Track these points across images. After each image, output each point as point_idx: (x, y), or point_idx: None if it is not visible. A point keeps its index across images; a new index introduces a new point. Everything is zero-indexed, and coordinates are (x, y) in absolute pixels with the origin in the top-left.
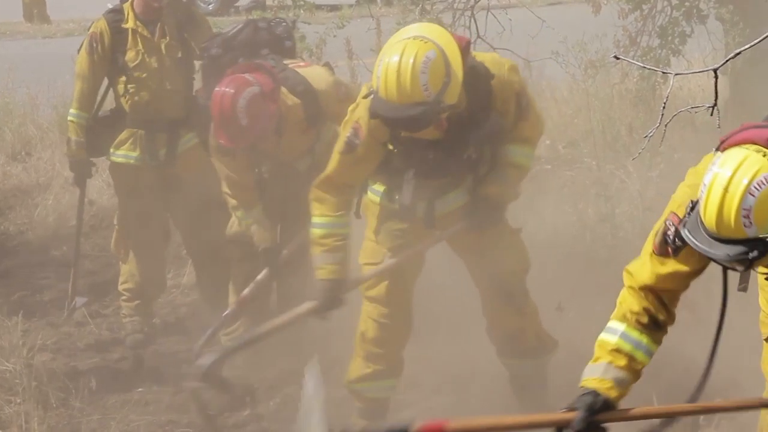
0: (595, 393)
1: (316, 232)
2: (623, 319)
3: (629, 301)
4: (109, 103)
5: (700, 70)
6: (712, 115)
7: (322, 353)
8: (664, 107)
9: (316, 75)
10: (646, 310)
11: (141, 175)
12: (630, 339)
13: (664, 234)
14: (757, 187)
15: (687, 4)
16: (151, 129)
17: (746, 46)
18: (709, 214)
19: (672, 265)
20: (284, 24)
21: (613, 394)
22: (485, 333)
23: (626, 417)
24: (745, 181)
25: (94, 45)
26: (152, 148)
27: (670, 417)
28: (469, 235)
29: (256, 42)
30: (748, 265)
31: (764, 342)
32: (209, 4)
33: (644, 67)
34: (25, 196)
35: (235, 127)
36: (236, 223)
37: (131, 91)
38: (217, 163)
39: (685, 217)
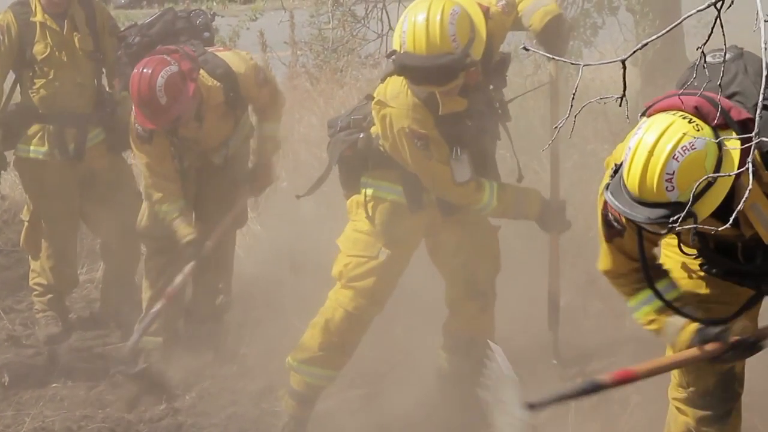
0: (707, 324)
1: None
2: (634, 293)
3: (622, 287)
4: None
5: (609, 61)
6: (621, 105)
7: (251, 346)
8: (573, 98)
9: (235, 59)
10: (638, 280)
11: (49, 170)
12: (653, 297)
13: (605, 218)
14: (682, 152)
15: None
16: (60, 123)
17: (653, 37)
18: (632, 177)
19: (628, 245)
20: (203, 15)
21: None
22: (412, 327)
23: None
24: (670, 147)
25: (1, 37)
26: (61, 143)
27: None
28: (449, 230)
29: (175, 31)
30: (669, 229)
31: None
32: None
33: (553, 58)
34: None
35: (155, 107)
36: (146, 217)
37: (39, 85)
38: (138, 153)
39: (608, 180)
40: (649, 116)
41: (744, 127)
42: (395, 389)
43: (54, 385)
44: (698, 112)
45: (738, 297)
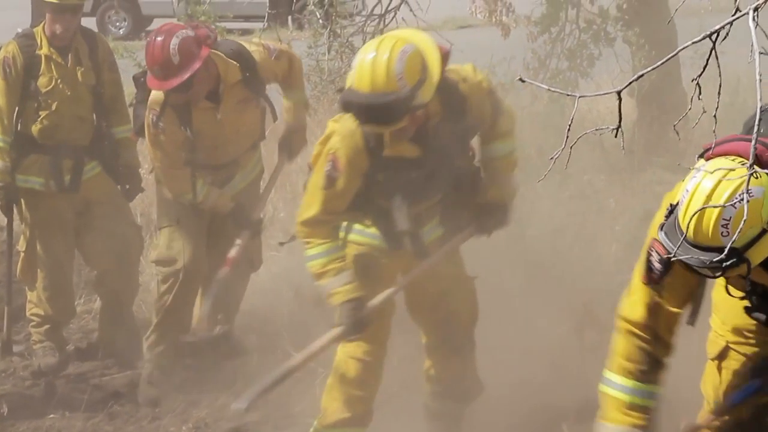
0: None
1: (315, 264)
2: (625, 373)
3: (626, 350)
4: None
5: (604, 92)
6: (616, 136)
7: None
8: (569, 129)
9: (245, 43)
10: (644, 355)
11: (45, 201)
12: (641, 392)
13: (648, 261)
14: (739, 199)
15: (595, 27)
16: (58, 155)
17: (648, 69)
18: (688, 221)
19: (664, 295)
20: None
21: None
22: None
23: None
24: (728, 194)
25: (8, 70)
26: (58, 174)
27: None
28: (426, 284)
29: None
30: (721, 273)
31: (708, 361)
32: (120, 29)
33: (549, 90)
34: None
35: (167, 65)
36: (162, 246)
37: (42, 116)
38: (152, 149)
39: (663, 219)
40: (707, 159)
41: None
42: (391, 419)
43: (51, 416)
44: (757, 160)
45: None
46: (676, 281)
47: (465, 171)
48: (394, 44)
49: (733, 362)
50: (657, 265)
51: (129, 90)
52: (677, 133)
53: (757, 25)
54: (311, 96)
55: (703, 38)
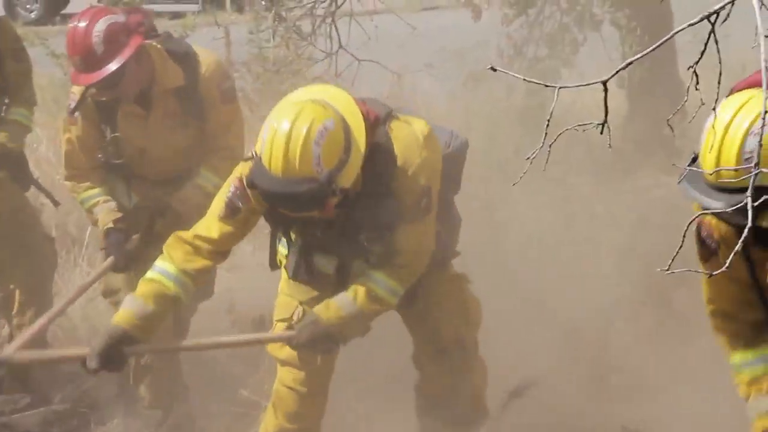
0: None
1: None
2: (742, 347)
3: (731, 333)
4: None
5: (588, 83)
6: (602, 133)
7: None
8: (548, 125)
9: (205, 51)
10: (740, 326)
11: None
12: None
13: (699, 233)
14: (761, 128)
15: (578, 8)
16: None
17: (640, 55)
18: (708, 160)
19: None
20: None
21: None
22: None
23: None
24: (748, 123)
25: None
26: None
27: None
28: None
29: None
30: (754, 216)
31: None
32: (31, 12)
33: (526, 80)
34: None
35: (90, 56)
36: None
37: None
38: (63, 136)
39: (684, 170)
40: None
41: None
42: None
43: None
44: None
45: None
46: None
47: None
48: (313, 119)
49: None
50: (710, 243)
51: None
52: (672, 128)
53: (762, 4)
54: (253, 89)
55: (701, 20)
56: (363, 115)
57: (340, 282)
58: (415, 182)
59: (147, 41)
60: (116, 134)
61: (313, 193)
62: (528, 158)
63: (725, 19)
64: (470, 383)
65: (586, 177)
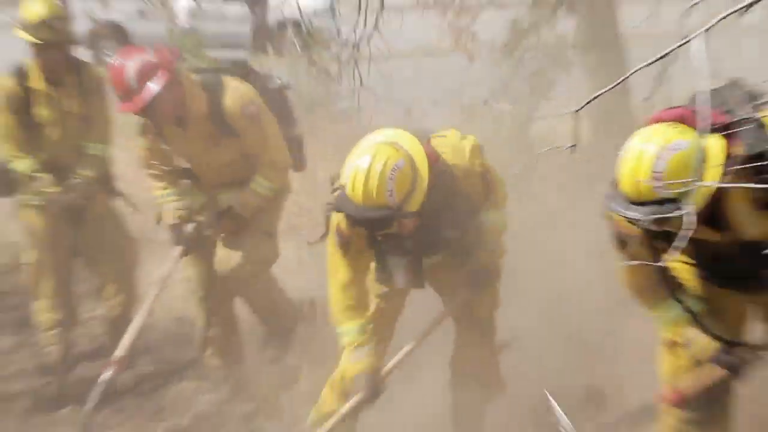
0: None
1: (345, 339)
2: (659, 302)
3: (647, 297)
4: None
5: (560, 113)
6: (572, 153)
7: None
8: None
9: (234, 81)
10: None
11: (48, 216)
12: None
13: (614, 234)
14: (667, 152)
15: (554, 53)
16: (56, 176)
17: (601, 91)
18: (624, 179)
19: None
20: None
21: None
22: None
23: None
24: (655, 149)
25: (7, 101)
26: (56, 193)
27: None
28: (446, 274)
29: None
30: (662, 223)
31: (662, 345)
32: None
33: (511, 112)
34: None
35: (126, 89)
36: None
37: (42, 143)
38: (140, 146)
39: (609, 192)
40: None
41: (725, 130)
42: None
43: (62, 411)
44: (683, 120)
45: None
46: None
47: (456, 237)
48: (387, 158)
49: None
50: (619, 236)
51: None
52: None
53: (704, 50)
54: None
55: (653, 62)
56: (426, 153)
57: (411, 277)
58: (473, 172)
59: (181, 73)
60: (167, 147)
61: (387, 217)
62: (514, 173)
63: (671, 62)
64: (494, 356)
65: (560, 187)
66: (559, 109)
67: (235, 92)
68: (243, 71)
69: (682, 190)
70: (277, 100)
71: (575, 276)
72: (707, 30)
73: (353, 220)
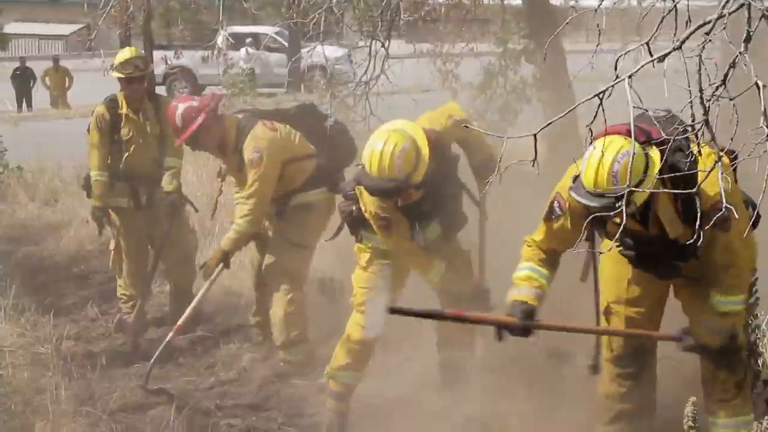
0: (524, 303)
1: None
2: (529, 259)
3: (529, 252)
4: None
5: (524, 135)
6: (533, 166)
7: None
8: (499, 165)
9: (259, 131)
10: (543, 252)
11: (129, 215)
12: (536, 270)
13: (551, 207)
14: (621, 158)
15: (518, 90)
16: (136, 183)
17: (555, 119)
18: (588, 177)
19: (557, 226)
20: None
21: (535, 303)
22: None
23: (549, 327)
24: (613, 155)
25: (100, 124)
26: (136, 196)
27: (582, 332)
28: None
29: None
30: (617, 212)
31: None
32: (182, 93)
33: (485, 133)
34: (54, 231)
35: (176, 128)
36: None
37: (124, 157)
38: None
39: (572, 184)
40: (594, 140)
41: (661, 144)
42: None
43: (136, 365)
44: (629, 134)
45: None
46: (566, 222)
47: (457, 191)
48: (397, 141)
49: (615, 318)
50: (557, 211)
51: None
52: (577, 165)
53: (631, 86)
54: None
55: (593, 97)
56: (427, 137)
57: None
58: (451, 135)
59: (223, 114)
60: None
61: (397, 188)
62: (487, 181)
63: (608, 96)
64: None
65: (523, 197)
66: (522, 132)
67: (253, 137)
68: (311, 110)
69: (629, 189)
70: (335, 133)
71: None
72: (630, 76)
73: (369, 191)
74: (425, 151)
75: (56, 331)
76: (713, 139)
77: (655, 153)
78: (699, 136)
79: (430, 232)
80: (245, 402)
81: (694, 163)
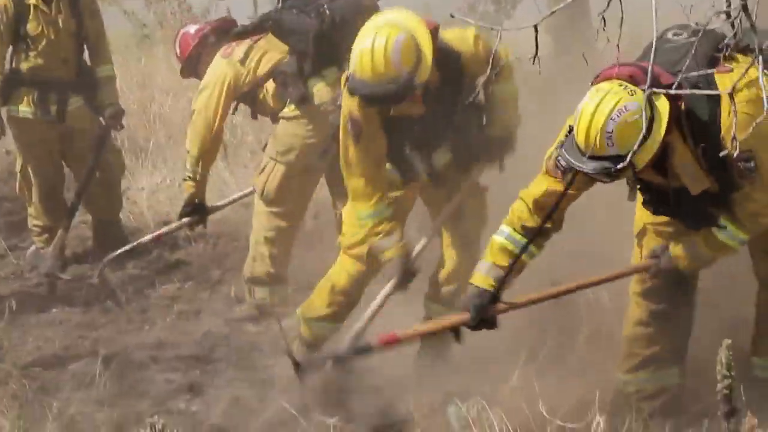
0: (481, 291)
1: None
2: (511, 223)
3: (520, 208)
4: None
5: (522, 27)
6: (534, 63)
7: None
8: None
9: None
10: (533, 216)
11: (35, 128)
12: (513, 240)
13: (557, 159)
14: (618, 114)
15: None
16: (44, 90)
17: (559, 6)
18: (579, 136)
19: (559, 185)
20: None
21: (494, 288)
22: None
23: (513, 306)
24: (607, 110)
25: (1, 15)
26: (44, 105)
27: (553, 298)
28: (441, 190)
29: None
30: (612, 177)
31: (635, 240)
32: None
33: (477, 25)
34: None
35: (178, 59)
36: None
37: (30, 56)
38: None
39: (564, 139)
40: (593, 84)
41: (672, 89)
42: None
43: (53, 310)
44: (632, 80)
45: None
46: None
47: (469, 113)
48: (388, 35)
49: (650, 236)
50: (560, 166)
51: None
52: (586, 61)
53: None
54: None
55: None
56: (427, 26)
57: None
58: (478, 59)
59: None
60: None
61: (399, 89)
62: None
63: None
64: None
65: (522, 98)
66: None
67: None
68: None
69: (630, 149)
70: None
71: None
72: None
73: (368, 99)
74: (428, 46)
75: None
76: (752, 26)
77: (662, 103)
78: (736, 25)
79: (437, 158)
80: (186, 353)
81: (716, 104)
